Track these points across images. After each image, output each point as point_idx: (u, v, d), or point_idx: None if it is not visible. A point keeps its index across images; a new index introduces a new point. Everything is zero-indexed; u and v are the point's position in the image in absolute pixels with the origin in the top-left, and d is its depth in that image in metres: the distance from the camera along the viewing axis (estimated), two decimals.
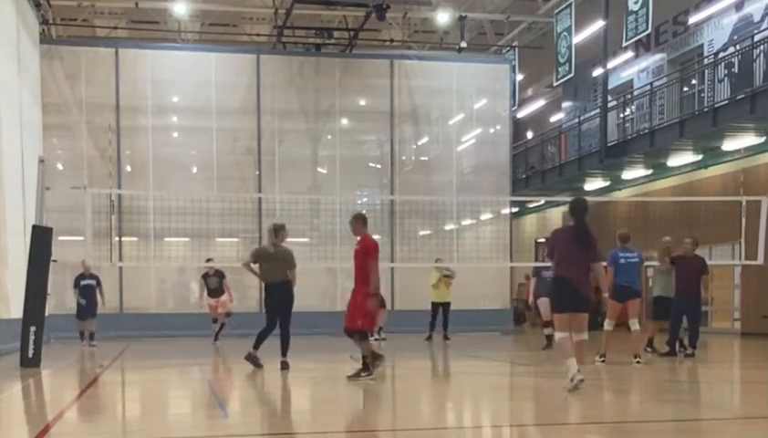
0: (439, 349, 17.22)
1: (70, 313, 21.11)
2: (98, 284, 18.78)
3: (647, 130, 23.05)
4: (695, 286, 13.60)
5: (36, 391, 10.65)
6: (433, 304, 19.61)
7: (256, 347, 11.94)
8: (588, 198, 28.79)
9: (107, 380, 11.48)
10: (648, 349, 14.27)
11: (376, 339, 18.77)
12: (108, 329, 21.31)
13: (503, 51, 28.34)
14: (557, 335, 9.14)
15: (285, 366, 11.77)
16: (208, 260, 18.84)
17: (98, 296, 18.69)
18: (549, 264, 16.32)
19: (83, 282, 18.47)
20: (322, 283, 24.00)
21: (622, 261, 12.71)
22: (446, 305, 19.60)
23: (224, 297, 18.39)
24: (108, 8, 26.00)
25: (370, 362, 10.30)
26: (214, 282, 18.31)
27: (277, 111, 23.53)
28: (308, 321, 22.59)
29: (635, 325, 12.79)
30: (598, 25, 24.06)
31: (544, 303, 15.82)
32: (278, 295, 11.80)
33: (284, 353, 11.84)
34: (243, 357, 12.04)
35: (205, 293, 18.45)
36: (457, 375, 12.96)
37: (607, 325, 12.96)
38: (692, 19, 23.37)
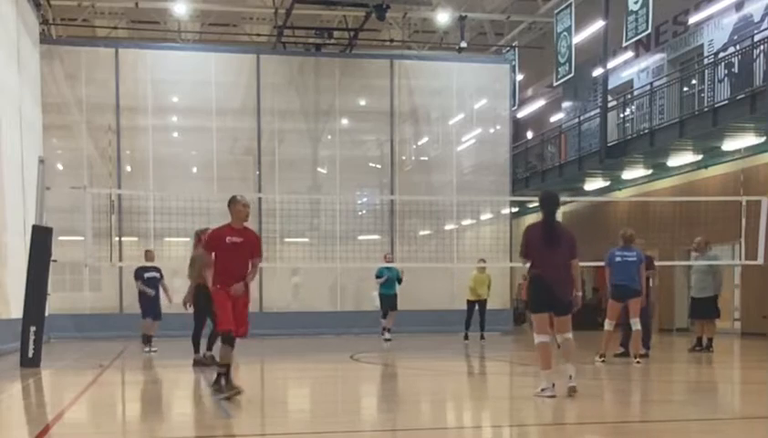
0: (439, 350, 17.21)
1: (69, 313, 21.15)
2: (162, 276, 16.55)
3: (647, 130, 23.04)
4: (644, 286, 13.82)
5: (36, 390, 10.65)
6: (469, 302, 19.60)
7: (209, 348, 12.58)
8: (588, 198, 28.82)
9: (107, 380, 11.48)
10: (698, 348, 15.14)
11: (386, 340, 18.69)
12: (109, 329, 21.32)
13: (503, 51, 28.34)
14: (536, 338, 8.62)
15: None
16: None
17: (162, 292, 16.35)
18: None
19: (146, 274, 16.23)
20: (322, 283, 23.99)
21: (618, 259, 12.70)
22: (483, 302, 19.60)
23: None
24: (109, 8, 25.99)
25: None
26: None
27: (277, 111, 23.52)
28: (309, 321, 22.70)
29: (636, 325, 12.78)
30: (598, 25, 24.06)
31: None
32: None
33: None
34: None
35: None
36: (458, 375, 12.96)
37: (608, 325, 12.97)
38: (692, 19, 23.37)
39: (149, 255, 16.41)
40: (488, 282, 19.57)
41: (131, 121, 22.54)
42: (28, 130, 18.34)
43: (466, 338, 19.30)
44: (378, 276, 19.13)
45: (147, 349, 15.86)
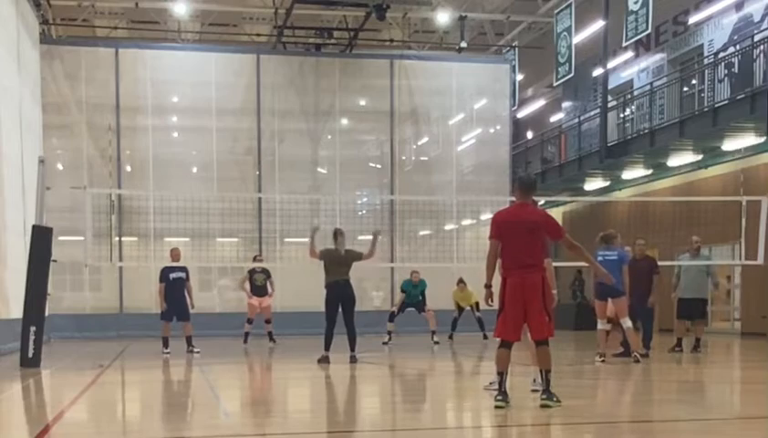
0: (439, 350, 17.20)
1: (68, 313, 21.15)
2: (188, 277, 15.61)
3: (647, 130, 23.05)
4: (645, 287, 13.81)
5: (36, 390, 10.66)
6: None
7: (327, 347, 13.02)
8: (588, 198, 28.76)
9: (107, 380, 11.49)
10: (677, 349, 15.08)
11: (436, 342, 18.51)
12: (109, 329, 21.33)
13: (503, 51, 28.33)
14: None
15: (353, 360, 12.91)
16: (255, 258, 18.69)
17: (186, 293, 15.49)
18: None
19: (172, 274, 15.35)
20: (322, 283, 23.93)
21: (599, 258, 12.72)
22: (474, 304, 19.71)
23: (268, 301, 17.93)
24: (109, 8, 25.98)
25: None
26: (261, 279, 17.66)
27: (277, 111, 23.53)
28: (311, 321, 22.67)
29: (626, 323, 12.87)
30: (598, 25, 24.06)
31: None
32: (344, 293, 13.26)
33: (352, 348, 13.08)
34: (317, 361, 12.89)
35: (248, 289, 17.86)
36: (458, 375, 12.96)
37: (600, 324, 13.04)
38: (692, 19, 23.38)
39: (174, 253, 15.52)
40: (471, 298, 19.63)
41: (131, 121, 22.56)
42: (28, 130, 18.35)
43: (450, 337, 19.46)
44: (402, 291, 19.14)
45: (168, 350, 15.23)
